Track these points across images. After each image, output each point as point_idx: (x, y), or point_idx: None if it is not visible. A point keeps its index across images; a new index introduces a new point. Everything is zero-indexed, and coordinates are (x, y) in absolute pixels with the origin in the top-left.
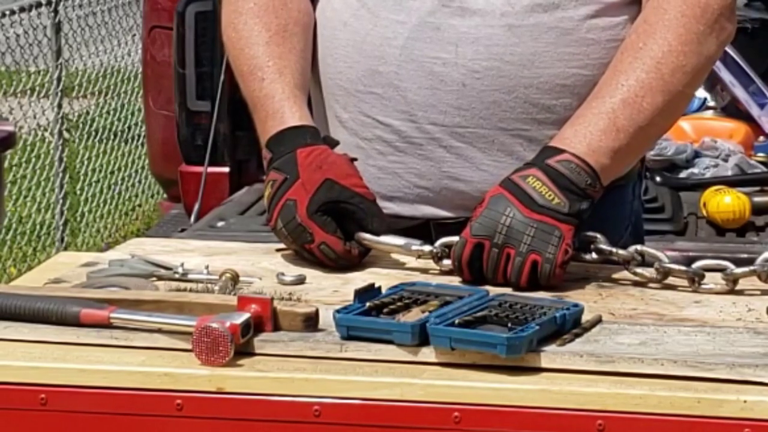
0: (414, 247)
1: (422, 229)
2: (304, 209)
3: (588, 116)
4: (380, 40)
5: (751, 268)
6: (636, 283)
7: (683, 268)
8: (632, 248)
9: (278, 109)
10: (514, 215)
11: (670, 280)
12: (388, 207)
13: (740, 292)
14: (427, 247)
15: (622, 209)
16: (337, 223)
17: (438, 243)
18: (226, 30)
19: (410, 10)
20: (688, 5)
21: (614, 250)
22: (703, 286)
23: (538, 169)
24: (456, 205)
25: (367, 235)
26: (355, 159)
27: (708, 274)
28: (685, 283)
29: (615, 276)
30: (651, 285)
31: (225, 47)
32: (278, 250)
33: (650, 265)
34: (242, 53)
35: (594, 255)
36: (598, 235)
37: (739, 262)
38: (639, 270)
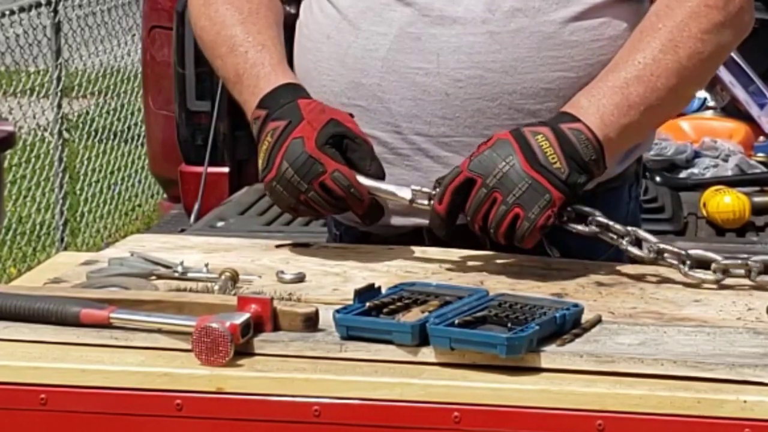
0: (412, 188)
1: (414, 237)
2: (313, 142)
3: (603, 89)
4: (362, 52)
5: (743, 261)
6: (636, 282)
7: (675, 249)
8: (630, 229)
9: (270, 72)
10: (514, 165)
11: (666, 276)
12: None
13: (740, 292)
14: (425, 189)
15: (618, 212)
16: None
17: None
18: (198, 21)
19: (390, 21)
20: None
21: (611, 223)
22: (693, 273)
23: (549, 129)
24: None
25: (363, 179)
26: (353, 115)
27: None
28: (676, 276)
29: (615, 274)
30: (650, 282)
31: (198, 38)
32: (278, 246)
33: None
34: (219, 36)
35: (593, 227)
36: (596, 211)
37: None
38: (631, 248)
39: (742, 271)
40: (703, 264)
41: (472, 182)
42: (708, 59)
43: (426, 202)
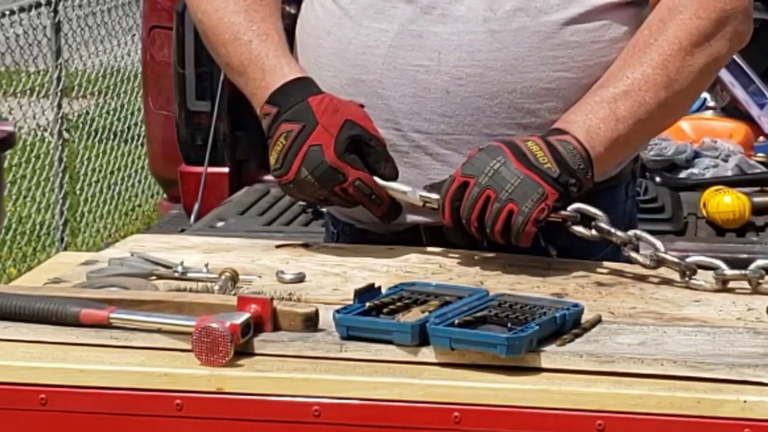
0: (420, 194)
1: (413, 234)
2: (332, 151)
3: (590, 104)
4: (363, 48)
5: (743, 272)
6: (636, 282)
7: (676, 260)
8: (631, 232)
9: (275, 65)
10: (505, 163)
11: (666, 276)
12: None
13: (740, 292)
14: (434, 195)
15: (615, 211)
16: None
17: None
18: (200, 6)
19: (392, 18)
20: (704, 8)
21: (613, 230)
22: (693, 281)
23: (539, 138)
24: None
25: (376, 180)
26: (363, 105)
27: (701, 272)
28: (676, 276)
29: (614, 274)
30: (650, 282)
31: (199, 22)
32: (278, 246)
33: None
34: (221, 22)
35: (593, 232)
36: (601, 214)
37: (733, 263)
38: (633, 254)
39: (745, 283)
40: (705, 268)
41: (466, 185)
42: (699, 72)
43: (436, 206)
